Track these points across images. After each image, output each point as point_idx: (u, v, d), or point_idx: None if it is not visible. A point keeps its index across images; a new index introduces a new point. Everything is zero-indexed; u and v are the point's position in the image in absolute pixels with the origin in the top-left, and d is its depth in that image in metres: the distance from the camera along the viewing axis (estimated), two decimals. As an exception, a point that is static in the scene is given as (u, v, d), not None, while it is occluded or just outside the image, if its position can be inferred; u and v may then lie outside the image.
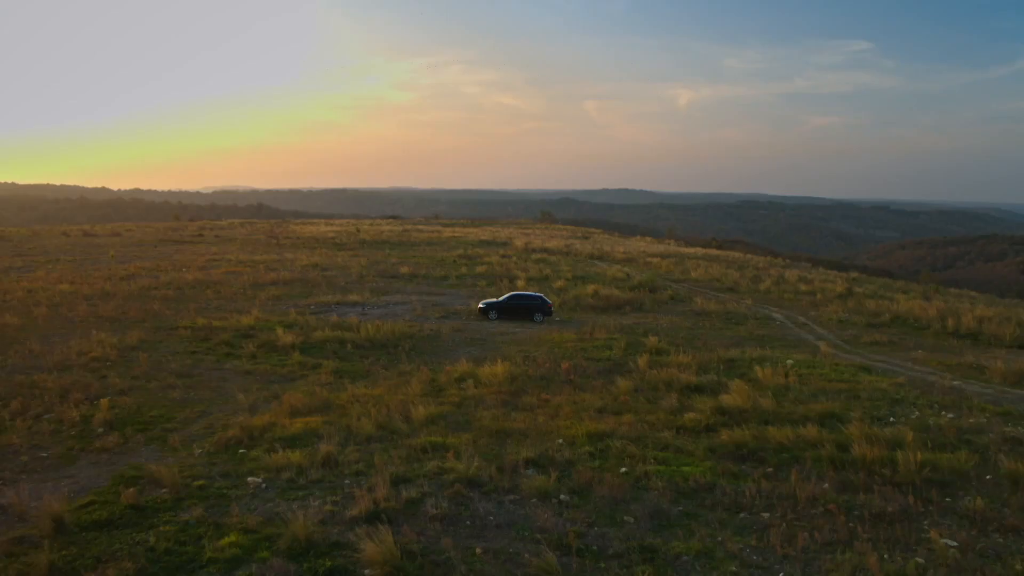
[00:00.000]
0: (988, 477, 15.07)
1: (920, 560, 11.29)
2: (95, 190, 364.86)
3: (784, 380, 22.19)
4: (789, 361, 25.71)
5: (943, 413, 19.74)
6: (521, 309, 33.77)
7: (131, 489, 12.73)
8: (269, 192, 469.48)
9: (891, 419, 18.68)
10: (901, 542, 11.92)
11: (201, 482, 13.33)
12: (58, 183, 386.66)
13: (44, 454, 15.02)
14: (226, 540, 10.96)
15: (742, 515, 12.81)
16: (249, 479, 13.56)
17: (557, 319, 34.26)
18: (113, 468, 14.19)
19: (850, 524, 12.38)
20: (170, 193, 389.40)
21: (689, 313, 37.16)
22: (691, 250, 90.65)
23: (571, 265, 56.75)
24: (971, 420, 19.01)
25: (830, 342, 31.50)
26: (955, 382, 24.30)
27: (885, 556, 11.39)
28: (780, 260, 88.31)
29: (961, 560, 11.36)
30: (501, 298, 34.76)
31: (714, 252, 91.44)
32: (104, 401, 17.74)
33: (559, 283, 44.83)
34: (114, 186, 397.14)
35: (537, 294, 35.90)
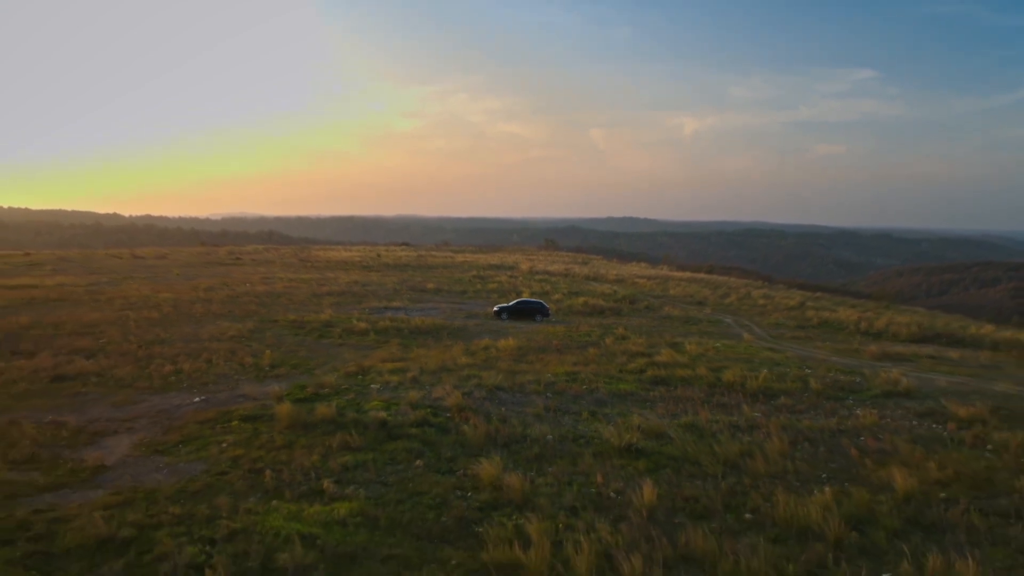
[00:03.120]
0: (805, 394, 25.35)
1: (733, 418, 21.55)
2: (107, 216, 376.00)
3: (704, 352, 32.55)
4: (717, 344, 36.04)
5: (805, 370, 29.98)
6: (526, 312, 44.12)
7: (309, 387, 23.11)
8: (278, 219, 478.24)
9: (764, 370, 28.95)
10: (728, 412, 22.21)
11: (345, 386, 23.72)
12: (70, 208, 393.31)
13: (244, 377, 25.42)
14: (374, 403, 21.29)
15: (647, 404, 23.15)
16: (371, 386, 23.94)
17: (553, 320, 44.57)
18: (289, 382, 24.50)
19: (704, 406, 22.69)
20: (181, 219, 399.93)
21: (656, 317, 47.55)
22: (680, 274, 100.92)
23: (568, 284, 67.30)
24: (821, 373, 29.27)
25: (758, 336, 41.85)
26: (833, 358, 34.60)
27: (717, 417, 21.62)
28: (758, 282, 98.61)
29: (758, 418, 21.60)
30: (510, 303, 45.23)
31: (700, 276, 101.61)
32: (267, 352, 28.30)
33: (556, 296, 55.18)
34: (125, 212, 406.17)
35: (539, 300, 46.42)
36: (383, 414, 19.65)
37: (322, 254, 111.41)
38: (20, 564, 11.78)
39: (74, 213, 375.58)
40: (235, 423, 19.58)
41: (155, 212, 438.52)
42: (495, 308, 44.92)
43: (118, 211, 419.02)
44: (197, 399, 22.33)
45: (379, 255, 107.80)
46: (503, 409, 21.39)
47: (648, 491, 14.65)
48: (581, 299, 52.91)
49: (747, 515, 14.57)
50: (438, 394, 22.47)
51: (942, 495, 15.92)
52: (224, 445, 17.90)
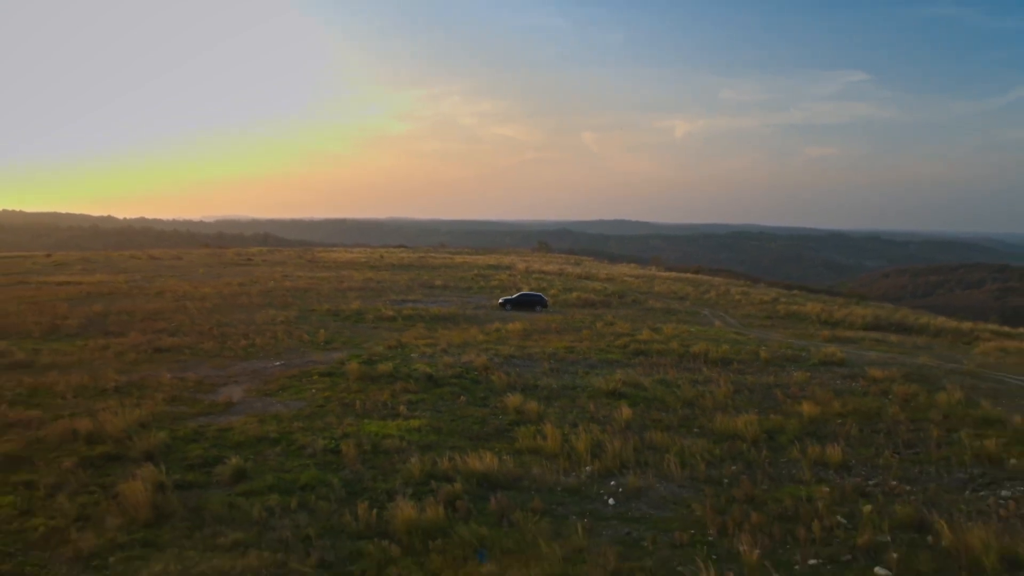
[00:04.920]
0: (755, 363, 31.71)
1: (695, 376, 27.88)
2: (102, 218, 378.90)
3: (678, 333, 38.94)
4: (691, 329, 42.41)
5: (761, 348, 36.33)
6: (527, 303, 50.42)
7: (364, 355, 29.32)
8: (272, 222, 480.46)
9: (725, 345, 35.28)
10: (691, 372, 28.55)
11: (391, 355, 29.93)
12: (64, 211, 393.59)
13: (307, 349, 31.61)
14: (419, 364, 27.53)
15: (628, 367, 29.48)
16: (411, 355, 30.18)
17: (551, 311, 50.88)
18: (346, 352, 30.65)
19: (673, 368, 29.02)
20: (176, 222, 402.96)
21: (641, 309, 53.96)
22: (666, 274, 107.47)
23: (563, 282, 73.65)
24: (773, 348, 35.64)
25: (729, 324, 48.26)
26: (789, 339, 41.01)
27: (682, 375, 27.91)
28: (740, 282, 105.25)
29: (715, 375, 27.92)
30: (513, 296, 51.57)
31: (685, 276, 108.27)
32: (321, 331, 34.51)
33: (552, 292, 61.44)
34: (119, 214, 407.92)
35: (539, 293, 52.83)
36: (428, 370, 25.95)
37: (326, 255, 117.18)
38: (211, 449, 17.94)
39: (69, 215, 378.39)
40: (316, 377, 25.77)
41: (149, 215, 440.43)
42: (500, 300, 51.22)
43: (112, 213, 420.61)
44: (277, 363, 28.53)
45: (382, 256, 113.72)
46: (518, 369, 27.71)
47: (626, 412, 21.03)
48: (575, 294, 59.28)
49: (695, 429, 20.92)
50: (466, 359, 28.75)
51: (838, 420, 22.28)
52: (314, 390, 24.11)
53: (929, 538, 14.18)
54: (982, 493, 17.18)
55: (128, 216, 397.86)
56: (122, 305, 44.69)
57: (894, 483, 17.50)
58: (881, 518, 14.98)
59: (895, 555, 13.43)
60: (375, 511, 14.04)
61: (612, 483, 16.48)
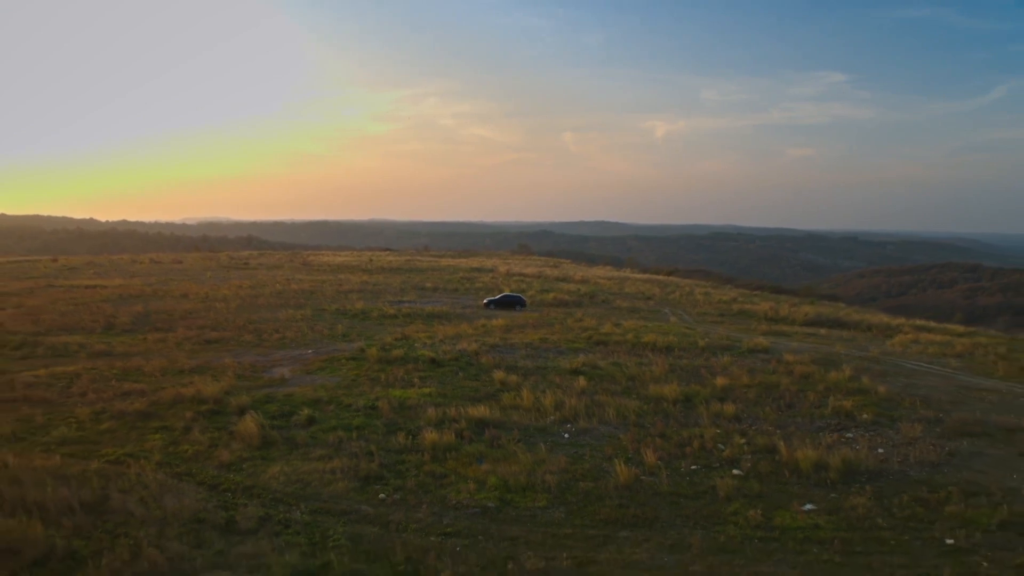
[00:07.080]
0: (693, 350, 39.20)
1: (643, 360, 35.31)
2: (85, 221, 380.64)
3: (636, 328, 46.45)
4: (648, 324, 49.92)
5: (702, 339, 43.82)
6: (509, 303, 57.76)
7: (377, 344, 36.46)
8: (254, 224, 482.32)
9: (672, 336, 42.75)
10: (639, 356, 35.99)
11: (399, 344, 37.12)
12: (45, 214, 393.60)
13: (329, 340, 38.72)
14: (422, 351, 34.76)
15: (590, 353, 36.87)
16: (415, 344, 37.39)
17: (529, 310, 58.23)
18: (363, 343, 37.76)
19: (626, 355, 36.46)
20: (158, 224, 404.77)
21: (609, 308, 61.48)
22: (638, 275, 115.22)
23: (541, 283, 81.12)
24: (713, 339, 43.16)
25: (684, 320, 55.83)
26: (732, 333, 48.63)
27: (632, 359, 35.32)
28: (706, 282, 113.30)
29: (657, 359, 35.34)
30: (497, 297, 58.92)
31: (657, 277, 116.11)
32: (338, 326, 41.63)
33: (531, 293, 68.85)
34: (101, 217, 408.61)
35: (519, 294, 60.25)
36: (431, 355, 33.24)
37: (316, 258, 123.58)
38: (284, 406, 25.05)
39: (51, 218, 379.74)
40: (344, 361, 32.94)
41: (130, 217, 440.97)
42: (485, 301, 58.54)
43: (94, 216, 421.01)
44: (309, 351, 35.66)
45: (371, 259, 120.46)
46: (501, 354, 35.06)
47: (582, 382, 28.50)
48: (551, 295, 66.73)
49: (633, 395, 28.33)
50: (460, 347, 36.06)
51: (743, 389, 29.76)
52: (345, 370, 31.29)
53: (776, 456, 21.60)
54: (830, 434, 24.68)
55: (110, 219, 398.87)
56: (157, 305, 51.49)
57: (768, 428, 25.01)
58: (746, 445, 22.48)
59: (748, 464, 20.93)
60: (410, 438, 21.37)
61: (568, 426, 23.90)
